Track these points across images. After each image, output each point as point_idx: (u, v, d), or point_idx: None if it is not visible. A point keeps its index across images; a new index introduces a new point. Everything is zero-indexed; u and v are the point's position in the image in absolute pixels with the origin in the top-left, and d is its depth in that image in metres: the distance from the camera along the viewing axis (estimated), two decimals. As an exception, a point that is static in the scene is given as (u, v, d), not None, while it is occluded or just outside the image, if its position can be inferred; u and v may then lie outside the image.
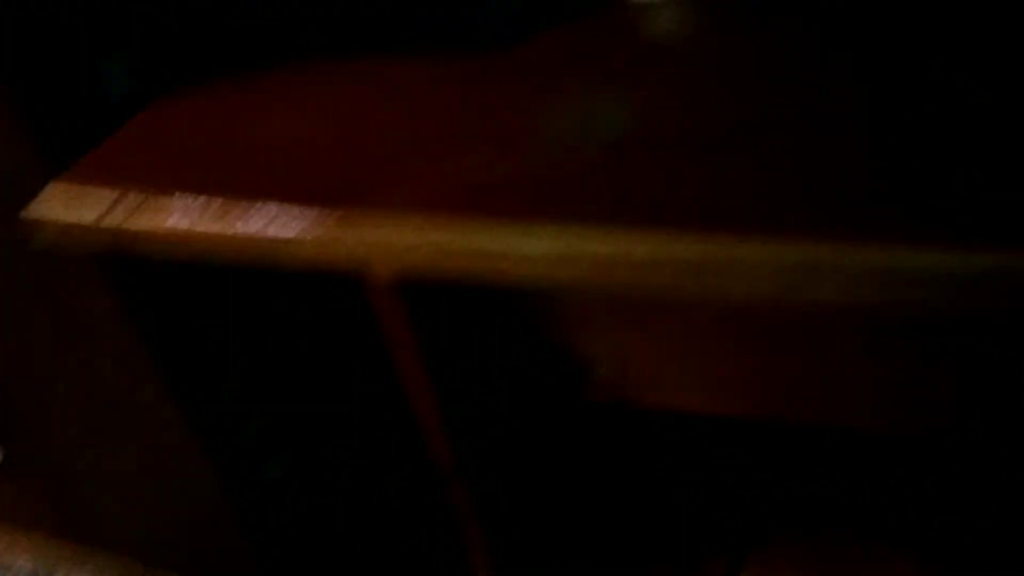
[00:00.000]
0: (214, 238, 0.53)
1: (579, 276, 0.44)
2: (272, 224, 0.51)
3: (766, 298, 0.39)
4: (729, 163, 0.46)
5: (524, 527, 1.15)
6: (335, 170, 0.55)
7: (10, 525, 1.43)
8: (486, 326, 0.95)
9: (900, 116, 0.46)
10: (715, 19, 0.63)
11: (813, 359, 0.87)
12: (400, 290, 0.80)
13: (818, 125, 0.48)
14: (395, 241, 0.49)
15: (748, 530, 1.13)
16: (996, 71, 0.46)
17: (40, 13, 0.73)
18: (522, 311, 0.94)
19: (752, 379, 0.90)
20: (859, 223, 0.39)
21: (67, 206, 0.58)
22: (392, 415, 1.03)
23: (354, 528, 1.15)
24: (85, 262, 0.85)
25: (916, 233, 0.37)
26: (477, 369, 0.96)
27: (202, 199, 0.54)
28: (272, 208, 0.52)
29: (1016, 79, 0.45)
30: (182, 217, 0.52)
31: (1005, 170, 0.39)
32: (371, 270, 0.76)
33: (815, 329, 0.85)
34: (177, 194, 0.56)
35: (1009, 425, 0.78)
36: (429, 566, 1.03)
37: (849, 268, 0.37)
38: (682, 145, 0.49)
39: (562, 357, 0.95)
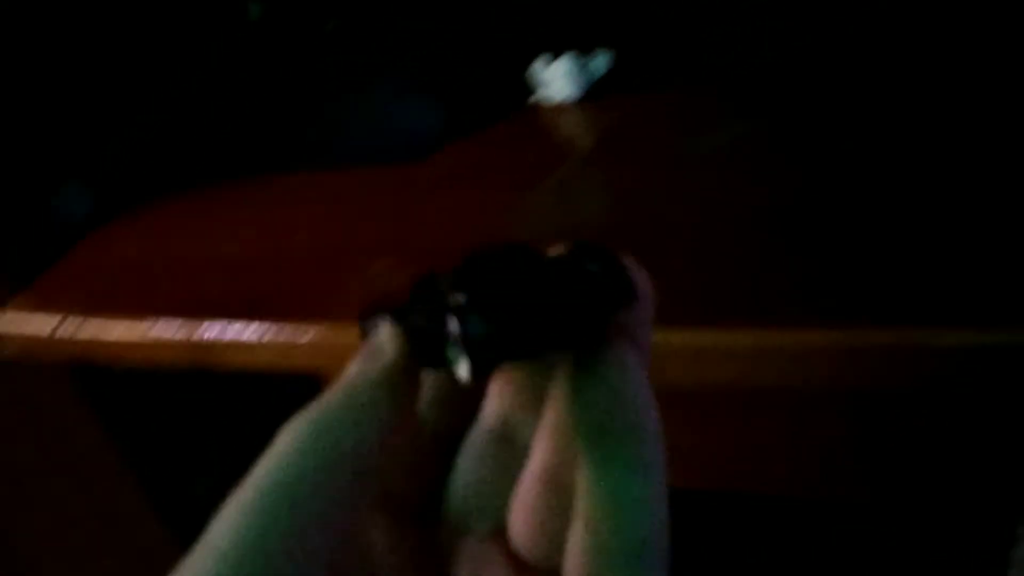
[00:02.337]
0: (169, 346, 0.57)
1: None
2: (223, 333, 0.55)
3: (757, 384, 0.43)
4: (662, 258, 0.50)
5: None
6: (275, 281, 0.59)
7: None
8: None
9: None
10: (625, 118, 0.68)
11: (796, 436, 0.88)
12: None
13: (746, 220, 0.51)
14: (337, 347, 0.53)
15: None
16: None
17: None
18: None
19: (739, 455, 0.91)
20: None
21: (26, 321, 0.63)
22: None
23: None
24: (60, 372, 0.88)
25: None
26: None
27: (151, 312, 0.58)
28: (221, 320, 0.56)
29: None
30: (129, 329, 0.57)
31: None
32: (320, 374, 0.79)
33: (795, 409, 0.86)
34: (125, 307, 0.60)
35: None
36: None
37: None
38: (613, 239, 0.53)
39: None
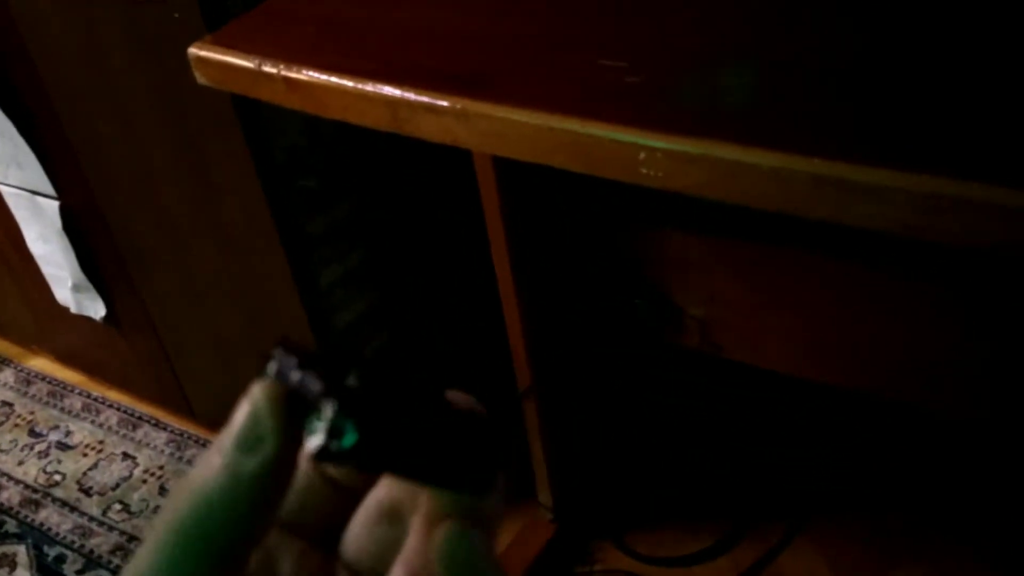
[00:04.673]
0: (355, 95, 0.56)
1: (696, 183, 0.45)
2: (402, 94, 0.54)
3: (890, 225, 0.39)
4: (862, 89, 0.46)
5: (587, 453, 1.17)
6: (463, 59, 0.56)
7: (104, 379, 1.53)
8: (585, 249, 0.96)
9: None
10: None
11: (911, 337, 0.85)
12: (506, 198, 0.82)
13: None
14: (507, 132, 0.50)
15: (812, 499, 1.12)
16: None
17: None
18: (623, 244, 0.95)
19: (844, 348, 0.89)
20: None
21: (223, 54, 0.62)
22: (483, 327, 1.06)
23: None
24: (224, 118, 0.89)
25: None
26: (569, 286, 0.98)
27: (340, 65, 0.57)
28: (402, 85, 0.54)
29: None
30: (324, 75, 0.55)
31: None
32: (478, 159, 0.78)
33: (916, 308, 0.83)
34: (329, 62, 0.58)
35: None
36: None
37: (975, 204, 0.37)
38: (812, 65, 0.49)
39: (655, 295, 0.95)
